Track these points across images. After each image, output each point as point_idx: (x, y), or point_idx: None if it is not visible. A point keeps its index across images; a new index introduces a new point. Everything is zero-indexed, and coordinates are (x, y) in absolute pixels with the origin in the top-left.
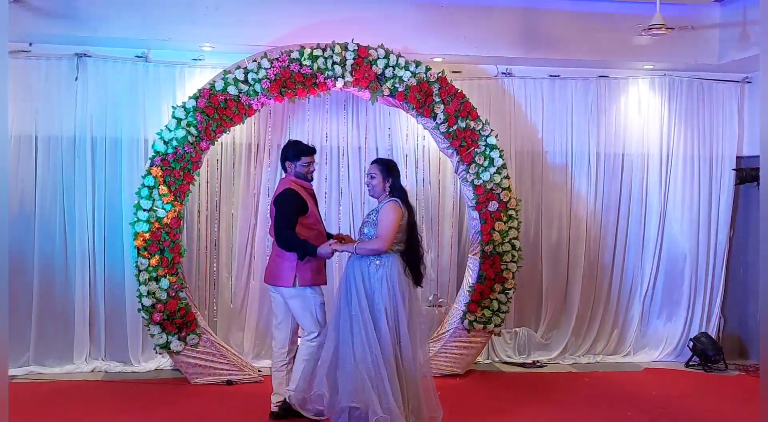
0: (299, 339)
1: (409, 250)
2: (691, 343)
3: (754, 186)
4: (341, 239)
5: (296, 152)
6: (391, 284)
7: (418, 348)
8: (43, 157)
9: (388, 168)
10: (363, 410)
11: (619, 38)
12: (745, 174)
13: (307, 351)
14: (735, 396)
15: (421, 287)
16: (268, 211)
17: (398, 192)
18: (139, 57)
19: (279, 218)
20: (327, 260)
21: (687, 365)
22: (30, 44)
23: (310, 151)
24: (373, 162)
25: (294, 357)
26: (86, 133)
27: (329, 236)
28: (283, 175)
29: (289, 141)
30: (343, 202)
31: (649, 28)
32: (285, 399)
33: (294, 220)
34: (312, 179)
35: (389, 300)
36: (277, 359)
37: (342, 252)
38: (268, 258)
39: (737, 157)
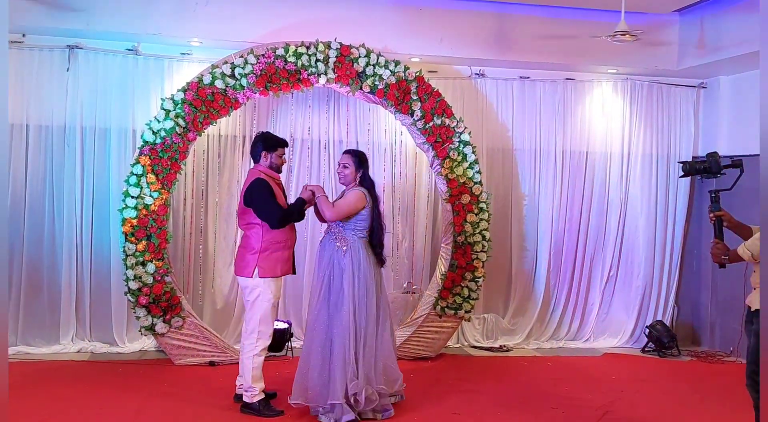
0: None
1: (373, 236)
2: (647, 330)
3: (698, 179)
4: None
5: (273, 143)
6: (357, 266)
7: (385, 321)
8: (34, 145)
9: (360, 159)
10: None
11: (585, 43)
12: (689, 166)
13: (247, 348)
14: (688, 381)
15: (383, 267)
16: (238, 205)
17: (367, 182)
18: (129, 50)
19: (264, 207)
20: (299, 245)
21: (643, 351)
22: (23, 35)
23: (285, 142)
24: (346, 152)
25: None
26: (76, 122)
27: (298, 200)
28: (252, 165)
29: (262, 132)
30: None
31: (614, 35)
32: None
33: (276, 202)
34: (281, 171)
35: (355, 282)
36: (245, 347)
37: (313, 192)
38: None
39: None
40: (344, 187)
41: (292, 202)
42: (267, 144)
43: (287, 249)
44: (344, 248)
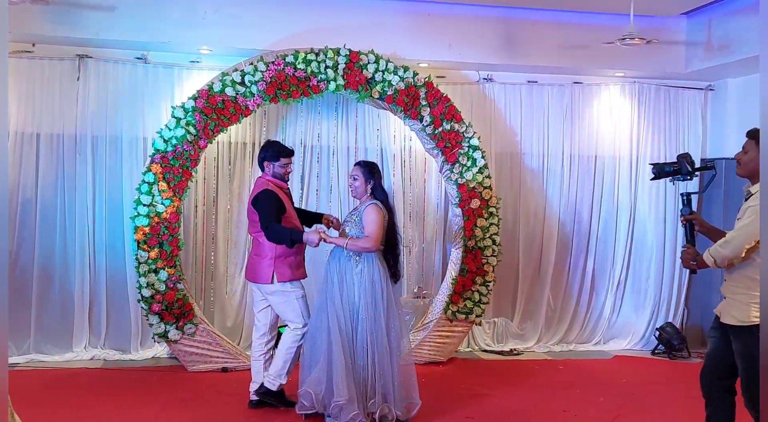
0: (285, 328)
1: (388, 249)
2: (657, 333)
3: (669, 181)
4: (329, 222)
5: (275, 153)
6: (369, 279)
7: (401, 338)
8: (45, 154)
9: (370, 170)
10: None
11: (593, 47)
12: (659, 169)
13: (291, 339)
14: (697, 383)
15: (395, 283)
16: (246, 211)
17: (380, 193)
18: (138, 58)
19: (264, 215)
20: (308, 251)
21: (653, 353)
22: (33, 45)
23: (289, 152)
24: (356, 164)
25: (273, 347)
26: (87, 131)
27: (316, 216)
28: (260, 173)
29: (268, 141)
30: (333, 199)
31: (623, 38)
32: (262, 383)
33: (277, 215)
34: (288, 180)
35: (368, 295)
36: (256, 349)
37: (330, 243)
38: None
39: (701, 159)
40: (357, 200)
41: (307, 211)
42: (269, 153)
43: (299, 254)
44: (356, 258)
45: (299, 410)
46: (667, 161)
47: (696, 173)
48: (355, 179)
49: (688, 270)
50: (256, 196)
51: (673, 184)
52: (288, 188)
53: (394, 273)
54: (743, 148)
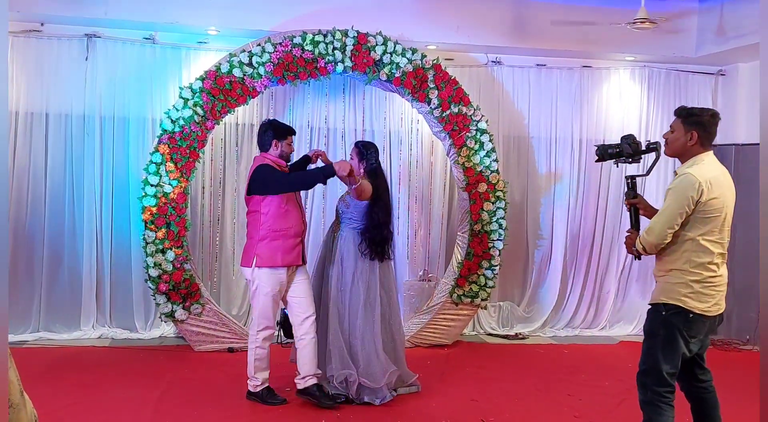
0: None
1: (368, 229)
2: None
3: (613, 163)
4: (318, 155)
5: (284, 131)
6: (343, 257)
7: (388, 318)
8: (53, 134)
9: (364, 150)
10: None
11: (603, 31)
12: (602, 150)
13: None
14: None
15: (380, 261)
16: (244, 193)
17: (371, 173)
18: (146, 39)
19: (274, 179)
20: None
21: None
22: (42, 24)
23: (293, 130)
24: (354, 144)
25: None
26: (95, 111)
27: (304, 160)
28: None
29: (270, 120)
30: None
31: (634, 22)
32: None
33: (282, 173)
34: (290, 160)
35: (338, 271)
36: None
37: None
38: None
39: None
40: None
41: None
42: (278, 133)
43: (290, 237)
44: (339, 236)
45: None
46: (611, 143)
47: (640, 155)
48: (351, 158)
49: None
50: (252, 174)
51: (616, 166)
52: (286, 167)
53: (378, 253)
54: (671, 126)
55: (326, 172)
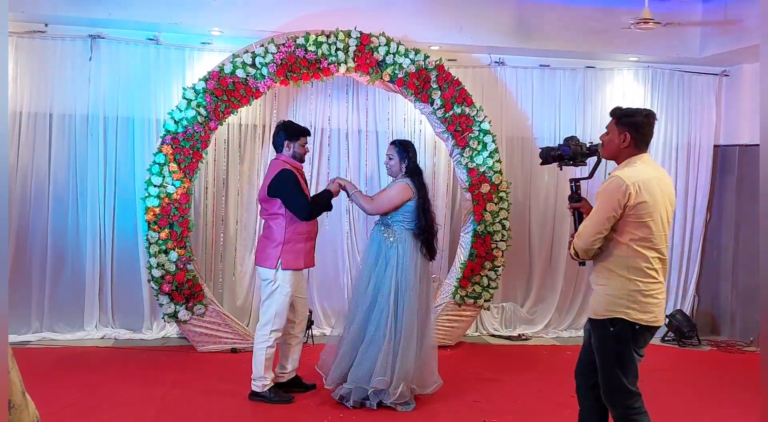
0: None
1: (422, 229)
2: (667, 320)
3: (557, 166)
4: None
5: (296, 132)
6: (402, 259)
7: (428, 316)
8: (57, 134)
9: (404, 149)
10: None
11: (606, 31)
12: (545, 153)
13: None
14: (707, 370)
15: (431, 260)
16: (259, 194)
17: (413, 172)
18: (150, 39)
19: (294, 198)
20: (321, 237)
21: (663, 340)
22: (46, 25)
23: (307, 131)
24: (391, 143)
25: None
26: (99, 111)
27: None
28: (271, 155)
29: (283, 121)
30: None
31: (638, 23)
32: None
33: (303, 192)
34: (304, 161)
35: (399, 275)
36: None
37: (344, 187)
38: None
39: (714, 146)
40: (392, 178)
41: (318, 192)
42: (289, 133)
43: (309, 240)
44: (391, 239)
45: (329, 384)
46: (554, 146)
47: (581, 158)
48: (390, 158)
49: (698, 258)
50: (275, 178)
51: (560, 170)
52: (302, 169)
53: (430, 252)
54: (606, 128)
55: (324, 200)
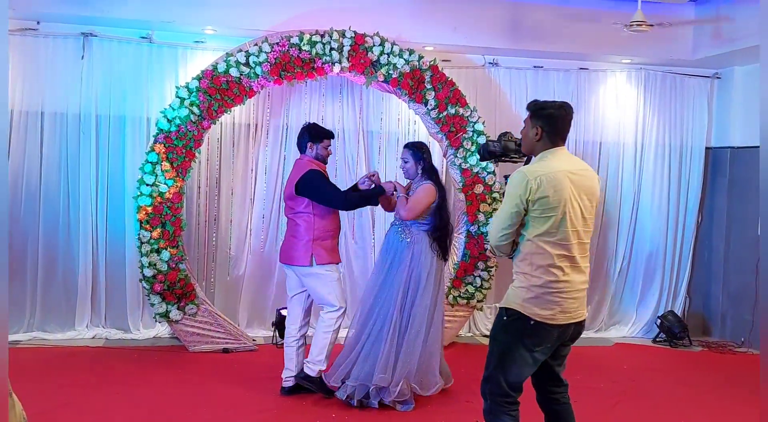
0: (321, 312)
1: (437, 228)
2: (659, 321)
3: (493, 162)
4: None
5: (319, 134)
6: (416, 260)
7: (441, 315)
8: (48, 133)
9: (417, 150)
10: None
11: (600, 33)
12: (483, 149)
13: (326, 323)
14: (698, 371)
15: (444, 261)
16: (285, 192)
17: (430, 172)
18: (143, 38)
19: (325, 192)
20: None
21: (654, 341)
22: (38, 23)
23: (331, 134)
24: (405, 146)
25: (303, 334)
26: (91, 110)
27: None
28: (299, 155)
29: (309, 123)
30: (338, 182)
31: (631, 25)
32: (302, 369)
33: (333, 185)
34: (327, 163)
35: (411, 275)
36: (289, 335)
37: (396, 187)
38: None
39: (706, 148)
40: (409, 180)
41: (370, 188)
42: (313, 135)
43: (336, 237)
44: (408, 239)
45: (331, 382)
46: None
47: (516, 154)
48: (405, 161)
49: (690, 259)
50: (303, 177)
51: (496, 166)
52: (326, 170)
53: (442, 250)
54: (524, 122)
55: (374, 194)
